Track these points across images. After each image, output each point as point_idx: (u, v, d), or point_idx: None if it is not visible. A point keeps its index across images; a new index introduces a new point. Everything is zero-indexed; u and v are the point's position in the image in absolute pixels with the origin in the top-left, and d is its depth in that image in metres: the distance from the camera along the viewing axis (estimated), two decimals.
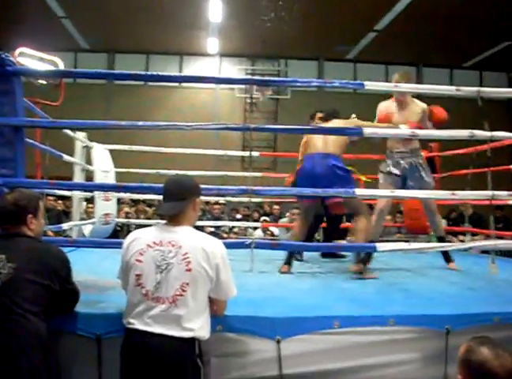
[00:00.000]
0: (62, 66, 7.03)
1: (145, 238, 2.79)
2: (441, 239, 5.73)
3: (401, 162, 5.48)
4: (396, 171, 5.44)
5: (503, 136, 4.44)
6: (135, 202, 10.71)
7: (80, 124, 4.65)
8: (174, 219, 2.84)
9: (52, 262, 2.82)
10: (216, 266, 2.72)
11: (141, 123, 3.97)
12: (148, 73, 4.38)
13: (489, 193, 4.27)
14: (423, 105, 5.53)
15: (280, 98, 17.61)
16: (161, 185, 2.99)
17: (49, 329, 2.73)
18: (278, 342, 3.02)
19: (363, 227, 4.96)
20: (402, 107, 5.49)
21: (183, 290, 2.64)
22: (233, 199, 8.30)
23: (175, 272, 2.66)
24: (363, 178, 5.80)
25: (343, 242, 7.90)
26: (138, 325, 2.64)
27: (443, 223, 8.71)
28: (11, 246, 2.78)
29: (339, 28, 15.57)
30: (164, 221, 2.91)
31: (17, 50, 6.44)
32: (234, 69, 18.57)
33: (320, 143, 5.07)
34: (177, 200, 2.83)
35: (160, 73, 4.06)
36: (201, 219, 8.48)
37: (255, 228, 8.86)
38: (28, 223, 2.90)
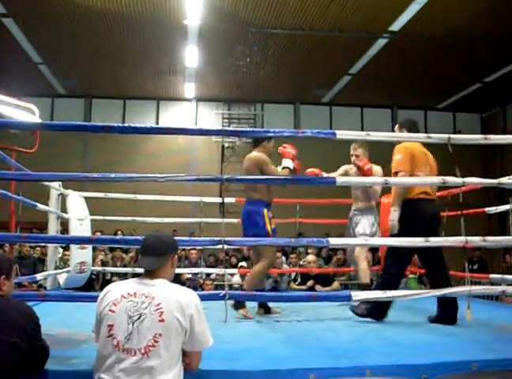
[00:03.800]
0: (37, 113, 7.04)
1: (120, 289, 2.79)
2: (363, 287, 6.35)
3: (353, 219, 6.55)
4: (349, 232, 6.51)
5: (475, 181, 4.49)
6: (112, 249, 10.62)
7: (52, 176, 4.61)
8: (151, 274, 2.85)
9: (20, 319, 2.76)
10: (190, 317, 2.70)
11: (113, 175, 3.96)
12: (121, 124, 4.36)
13: (463, 238, 4.28)
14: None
15: None
16: (134, 238, 2.97)
17: None
18: None
19: (256, 271, 5.47)
20: None
21: (156, 341, 2.60)
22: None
23: (147, 322, 2.63)
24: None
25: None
26: None
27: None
28: None
29: (314, 73, 15.81)
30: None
31: None
32: (211, 113, 18.68)
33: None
34: (156, 256, 2.86)
35: (132, 125, 4.08)
36: (179, 266, 8.41)
37: (233, 274, 8.80)
38: (1, 284, 2.85)
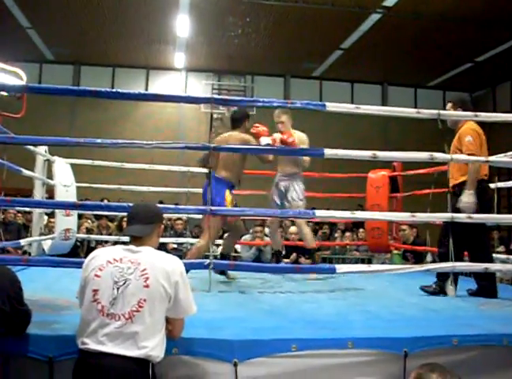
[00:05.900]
0: (24, 78, 6.92)
1: (106, 255, 2.79)
2: (308, 252, 6.52)
3: (280, 184, 6.34)
4: (275, 197, 6.30)
5: (463, 159, 4.49)
6: (97, 217, 10.58)
7: (38, 140, 4.57)
8: (138, 241, 2.88)
9: (3, 283, 2.74)
10: (175, 284, 2.72)
11: (99, 140, 3.92)
12: (110, 90, 4.28)
13: (448, 215, 4.30)
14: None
15: None
16: (119, 204, 2.97)
17: None
18: (235, 365, 2.97)
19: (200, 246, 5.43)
20: None
21: (140, 307, 2.62)
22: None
23: (132, 287, 2.64)
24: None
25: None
26: (92, 345, 2.57)
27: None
28: None
29: (305, 46, 15.70)
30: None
31: None
32: (200, 84, 18.54)
33: None
34: (144, 224, 2.91)
35: (120, 91, 4.01)
36: (164, 236, 8.39)
37: (218, 245, 8.78)
38: None
